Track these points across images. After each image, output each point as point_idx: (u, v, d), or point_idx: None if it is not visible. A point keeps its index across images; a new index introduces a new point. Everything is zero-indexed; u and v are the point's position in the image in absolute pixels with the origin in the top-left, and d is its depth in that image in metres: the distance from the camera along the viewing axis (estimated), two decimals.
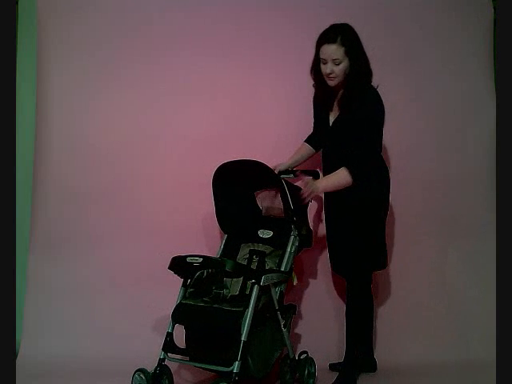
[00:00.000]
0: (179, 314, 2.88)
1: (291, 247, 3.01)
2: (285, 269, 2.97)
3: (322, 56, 2.92)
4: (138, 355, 3.28)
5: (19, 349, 3.39)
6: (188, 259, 2.80)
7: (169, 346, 2.87)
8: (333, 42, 2.89)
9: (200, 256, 2.79)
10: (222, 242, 3.18)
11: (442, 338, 3.46)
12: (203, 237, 3.50)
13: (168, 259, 2.91)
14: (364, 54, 2.97)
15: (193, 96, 3.56)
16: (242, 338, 2.68)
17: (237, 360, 2.65)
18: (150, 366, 2.87)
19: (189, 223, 3.50)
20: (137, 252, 3.51)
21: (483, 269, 3.54)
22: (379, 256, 3.10)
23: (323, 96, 3.08)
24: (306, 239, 3.12)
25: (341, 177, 2.94)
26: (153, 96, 3.57)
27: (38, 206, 3.54)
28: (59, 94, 3.55)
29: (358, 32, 3.58)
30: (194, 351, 2.88)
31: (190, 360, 2.90)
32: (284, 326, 2.94)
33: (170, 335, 2.89)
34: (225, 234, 3.20)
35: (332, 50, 2.89)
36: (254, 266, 3.09)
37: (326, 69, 2.93)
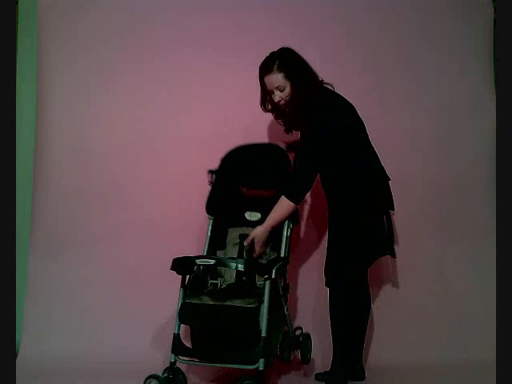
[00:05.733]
0: (188, 315, 2.82)
1: (287, 231, 3.00)
2: (284, 254, 2.97)
3: (267, 87, 2.96)
4: (138, 355, 3.30)
5: (19, 349, 3.38)
6: (198, 261, 2.76)
7: (178, 348, 2.81)
8: (270, 71, 2.90)
9: (211, 257, 2.77)
10: (208, 228, 3.13)
11: (442, 337, 3.46)
12: (203, 237, 3.49)
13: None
14: (307, 71, 2.94)
15: (194, 96, 3.56)
16: (263, 335, 2.69)
17: (261, 357, 2.67)
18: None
19: (189, 223, 3.49)
20: (137, 252, 3.51)
21: (483, 269, 3.54)
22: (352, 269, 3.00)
23: (285, 122, 3.10)
24: (295, 218, 3.11)
25: (283, 207, 2.92)
26: (154, 96, 3.57)
27: (38, 206, 3.54)
28: (59, 94, 3.56)
29: (357, 32, 3.62)
30: (208, 351, 2.82)
31: (202, 360, 2.86)
32: (287, 310, 2.97)
33: (178, 336, 2.83)
34: (210, 216, 3.13)
35: (272, 80, 2.91)
36: (246, 251, 3.04)
37: (274, 98, 2.95)
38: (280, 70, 2.89)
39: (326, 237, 3.07)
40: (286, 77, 2.89)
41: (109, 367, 3.25)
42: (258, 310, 2.72)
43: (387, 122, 3.56)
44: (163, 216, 3.53)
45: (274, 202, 2.97)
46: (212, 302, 2.81)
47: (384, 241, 3.01)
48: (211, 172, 3.13)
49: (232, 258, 2.93)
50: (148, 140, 3.56)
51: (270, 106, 3.05)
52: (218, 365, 2.85)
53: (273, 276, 2.76)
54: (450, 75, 3.64)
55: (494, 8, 3.62)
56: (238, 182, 3.15)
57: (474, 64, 3.64)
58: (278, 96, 2.93)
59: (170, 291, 3.28)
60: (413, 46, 3.64)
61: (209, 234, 3.11)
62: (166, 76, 3.58)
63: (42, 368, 3.25)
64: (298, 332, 3.24)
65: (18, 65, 3.59)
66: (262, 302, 2.73)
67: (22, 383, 2.99)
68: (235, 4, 3.60)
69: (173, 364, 2.82)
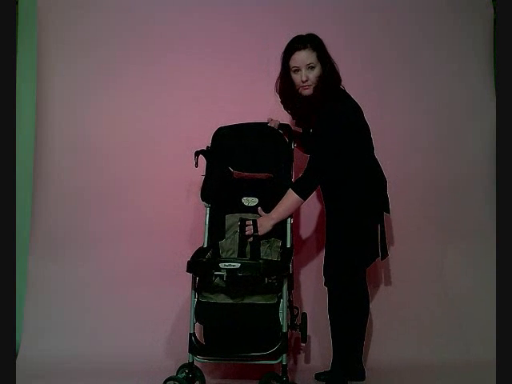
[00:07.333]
0: (206, 314, 2.77)
1: (290, 219, 2.96)
2: (291, 245, 2.95)
3: (294, 64, 2.89)
4: (138, 355, 3.30)
5: (19, 349, 3.38)
6: (222, 265, 2.69)
7: (195, 347, 2.76)
8: (303, 47, 2.88)
9: (235, 260, 2.73)
10: (205, 216, 3.04)
11: (442, 338, 3.46)
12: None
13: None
14: (331, 59, 2.95)
15: (194, 97, 3.56)
16: (284, 330, 2.71)
17: (284, 352, 2.70)
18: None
19: (189, 223, 3.50)
20: (136, 252, 3.50)
21: (483, 269, 3.54)
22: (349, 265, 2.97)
23: (297, 111, 3.01)
24: None
25: (290, 201, 2.89)
26: (154, 96, 3.58)
27: (38, 206, 3.54)
28: (59, 94, 3.56)
29: (356, 32, 3.63)
30: (227, 349, 2.78)
31: (223, 359, 2.86)
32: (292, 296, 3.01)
33: (193, 336, 2.77)
34: (206, 204, 3.04)
35: (305, 56, 2.88)
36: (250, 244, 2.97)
37: (300, 77, 2.89)
38: (314, 49, 2.88)
39: (325, 236, 3.07)
40: (319, 57, 2.89)
41: (109, 367, 3.25)
42: (277, 306, 2.73)
43: (387, 122, 3.56)
44: (163, 216, 3.53)
45: (270, 185, 2.97)
46: (231, 301, 2.75)
47: (380, 243, 3.01)
48: (200, 153, 3.03)
49: (257, 262, 2.80)
50: (148, 140, 3.56)
51: (285, 91, 2.97)
52: (241, 362, 2.87)
53: (291, 271, 2.82)
54: (449, 75, 3.64)
55: (494, 8, 3.62)
56: (231, 165, 3.03)
57: (474, 64, 3.64)
58: (305, 75, 2.88)
59: (170, 291, 3.28)
60: (412, 46, 3.64)
61: (207, 222, 3.02)
62: (167, 76, 3.58)
63: (41, 368, 3.25)
64: (295, 312, 3.17)
65: (18, 65, 3.59)
66: (281, 297, 2.74)
67: (22, 383, 2.99)
68: (235, 4, 3.61)
69: (191, 364, 2.79)
